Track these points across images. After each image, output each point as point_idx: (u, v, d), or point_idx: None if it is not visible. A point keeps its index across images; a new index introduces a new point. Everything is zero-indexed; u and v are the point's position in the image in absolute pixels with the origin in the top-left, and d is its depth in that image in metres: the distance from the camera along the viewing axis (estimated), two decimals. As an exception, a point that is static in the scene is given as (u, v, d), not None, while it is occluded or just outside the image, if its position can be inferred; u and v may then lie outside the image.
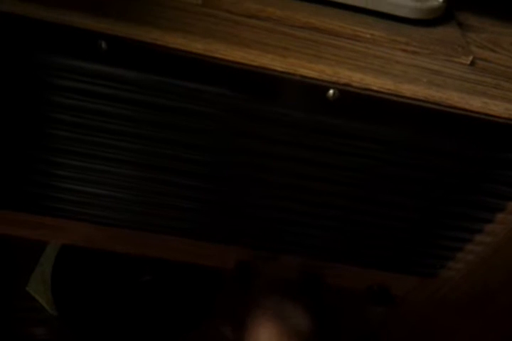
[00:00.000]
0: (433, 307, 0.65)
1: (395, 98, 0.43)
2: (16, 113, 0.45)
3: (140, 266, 0.95)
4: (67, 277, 0.93)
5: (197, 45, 0.40)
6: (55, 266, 0.93)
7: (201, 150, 0.47)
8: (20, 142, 0.48)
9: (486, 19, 0.55)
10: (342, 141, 0.46)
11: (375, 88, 0.42)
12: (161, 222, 0.55)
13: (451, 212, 0.52)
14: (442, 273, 0.59)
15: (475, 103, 0.43)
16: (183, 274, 0.95)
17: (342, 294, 0.64)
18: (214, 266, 0.63)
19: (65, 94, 0.43)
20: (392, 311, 0.66)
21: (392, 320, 0.68)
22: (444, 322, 0.66)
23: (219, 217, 0.54)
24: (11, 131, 0.47)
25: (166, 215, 0.54)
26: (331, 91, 0.42)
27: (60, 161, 0.49)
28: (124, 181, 0.51)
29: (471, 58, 0.46)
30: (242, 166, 0.49)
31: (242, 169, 0.49)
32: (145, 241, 0.59)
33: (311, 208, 0.52)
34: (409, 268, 0.59)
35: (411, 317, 0.69)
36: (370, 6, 0.46)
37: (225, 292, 0.93)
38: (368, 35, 0.45)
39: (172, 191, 0.51)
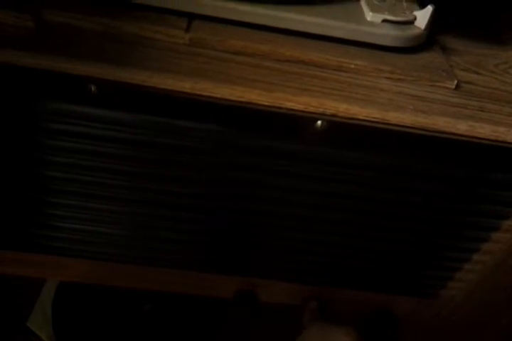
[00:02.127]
0: (436, 327, 0.65)
1: (381, 126, 0.43)
2: (11, 157, 0.46)
3: (140, 296, 0.94)
4: (68, 311, 0.92)
5: (185, 85, 0.41)
6: (55, 301, 0.93)
7: (194, 184, 0.48)
8: (16, 183, 0.49)
9: (469, 42, 0.56)
10: (332, 169, 0.47)
11: (361, 117, 0.43)
12: (159, 255, 0.55)
13: (446, 233, 0.53)
14: (443, 293, 0.59)
15: (461, 127, 0.44)
16: (184, 302, 0.95)
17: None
18: (214, 297, 0.63)
19: (58, 137, 0.44)
20: (394, 333, 0.66)
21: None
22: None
23: (216, 249, 0.55)
24: (7, 174, 0.48)
25: (163, 249, 0.55)
26: (319, 122, 0.43)
27: (55, 201, 0.50)
28: (120, 218, 0.51)
29: (455, 82, 0.47)
30: (236, 198, 0.49)
31: (235, 201, 0.50)
32: (144, 275, 0.59)
33: (307, 235, 0.53)
34: (409, 289, 0.59)
35: (413, 338, 0.69)
36: (353, 36, 0.47)
37: (227, 320, 0.93)
38: (353, 66, 0.46)
39: (167, 225, 0.52)
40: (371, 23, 0.47)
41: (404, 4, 0.50)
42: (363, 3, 0.49)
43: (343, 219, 0.51)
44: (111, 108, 0.42)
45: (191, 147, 0.45)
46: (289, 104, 0.42)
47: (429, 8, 0.47)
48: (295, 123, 0.43)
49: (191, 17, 0.45)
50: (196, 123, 0.43)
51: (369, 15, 0.47)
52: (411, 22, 0.48)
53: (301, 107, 0.42)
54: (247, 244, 0.54)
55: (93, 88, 0.40)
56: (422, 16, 0.48)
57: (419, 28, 0.48)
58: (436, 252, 0.55)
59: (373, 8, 0.48)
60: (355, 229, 0.52)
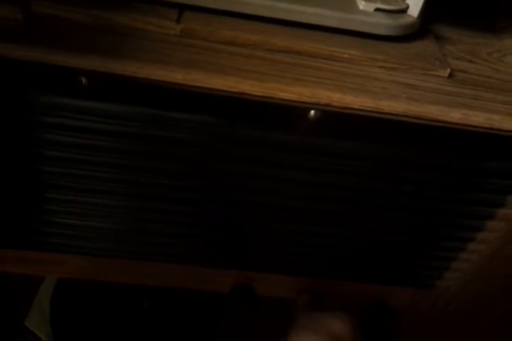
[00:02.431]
0: (433, 318, 0.65)
1: (375, 115, 0.43)
2: (1, 151, 0.46)
3: (138, 292, 0.94)
4: (66, 310, 0.92)
5: (176, 76, 0.40)
6: (53, 300, 0.93)
7: (188, 176, 0.48)
8: (8, 179, 0.48)
9: (462, 30, 0.56)
10: (327, 159, 0.47)
11: (355, 106, 0.42)
12: (156, 250, 0.55)
13: (441, 223, 0.52)
14: (439, 283, 0.59)
15: (455, 115, 0.44)
16: (182, 298, 0.95)
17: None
18: (212, 291, 0.63)
19: (50, 130, 0.44)
20: (391, 324, 0.66)
21: (392, 333, 0.68)
22: (444, 332, 0.66)
23: (212, 242, 0.55)
24: (1, 170, 0.48)
25: (159, 243, 0.54)
26: (312, 112, 0.43)
27: (49, 196, 0.50)
28: (116, 212, 0.51)
29: (448, 71, 0.47)
30: (230, 190, 0.49)
31: (229, 193, 0.50)
32: (141, 271, 0.59)
33: (303, 227, 0.53)
34: (405, 280, 0.59)
35: (411, 329, 0.69)
36: (346, 26, 0.46)
37: (226, 315, 0.93)
38: (346, 55, 0.46)
39: (163, 219, 0.52)
40: (364, 12, 0.47)
41: (397, -7, 0.50)
42: (355, -7, 0.49)
43: (337, 210, 0.51)
44: (102, 100, 0.42)
45: (184, 139, 0.45)
46: (282, 94, 0.41)
47: (422, -3, 0.47)
48: (288, 113, 0.43)
49: (182, 8, 0.45)
50: (189, 114, 0.43)
51: (361, 4, 0.47)
52: (404, 10, 0.48)
53: (294, 97, 0.42)
54: (243, 237, 0.54)
55: (84, 80, 0.40)
56: (415, 5, 0.48)
57: (412, 17, 0.48)
58: (431, 242, 0.55)
59: (366, -3, 0.47)
60: (350, 219, 0.52)
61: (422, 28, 0.51)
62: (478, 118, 0.44)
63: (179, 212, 0.51)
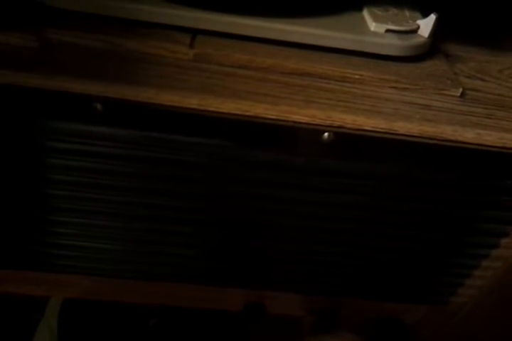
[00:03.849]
0: (447, 334, 0.65)
1: (389, 136, 0.43)
2: (16, 177, 0.46)
3: (146, 309, 0.94)
4: (74, 327, 0.92)
5: (191, 101, 0.41)
6: (61, 317, 0.92)
7: (201, 199, 0.48)
8: (19, 202, 0.49)
9: (472, 48, 0.56)
10: (341, 180, 0.47)
11: (368, 128, 0.43)
12: (165, 270, 0.55)
13: (455, 241, 0.53)
14: (454, 299, 0.59)
15: (469, 135, 0.44)
16: (190, 315, 0.94)
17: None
18: (222, 310, 0.62)
19: (64, 156, 0.45)
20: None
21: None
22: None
23: (223, 262, 0.55)
24: (11, 193, 0.48)
25: (168, 263, 0.55)
26: (326, 134, 0.43)
27: (58, 219, 0.50)
28: (123, 233, 0.51)
29: (460, 90, 0.47)
30: (243, 211, 0.49)
31: (242, 214, 0.50)
32: (150, 290, 0.59)
33: (315, 246, 0.53)
34: (419, 297, 0.59)
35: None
36: (357, 47, 0.47)
37: (235, 334, 0.92)
38: (357, 76, 0.46)
39: (172, 240, 0.52)
40: (375, 33, 0.47)
41: (407, 13, 0.50)
42: (365, 14, 0.49)
43: (351, 230, 0.51)
44: (117, 126, 0.42)
45: (199, 163, 0.45)
46: (295, 117, 0.42)
47: (432, 17, 0.47)
48: (302, 135, 0.43)
49: (195, 32, 0.45)
50: (202, 138, 0.43)
51: (372, 26, 0.47)
52: (414, 31, 0.48)
53: (307, 120, 0.42)
54: (254, 256, 0.54)
55: (98, 106, 0.40)
56: (425, 25, 0.48)
57: (422, 37, 0.48)
58: (445, 259, 0.55)
59: (376, 19, 0.48)
60: (363, 238, 0.52)
61: (432, 47, 0.51)
62: (491, 137, 0.44)
63: (190, 233, 0.51)
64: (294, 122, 0.42)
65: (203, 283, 0.58)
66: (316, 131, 0.43)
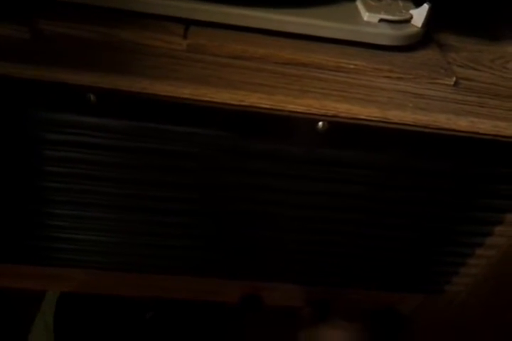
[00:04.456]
0: (443, 323, 0.65)
1: (383, 125, 0.43)
2: (10, 169, 0.46)
3: (142, 303, 0.94)
4: (70, 323, 0.92)
5: (185, 91, 0.41)
6: (57, 313, 0.92)
7: (195, 189, 0.48)
8: (15, 195, 0.49)
9: (464, 38, 0.56)
10: (336, 169, 0.47)
11: (362, 117, 0.43)
12: (160, 262, 0.55)
13: (449, 229, 0.53)
14: (448, 288, 0.59)
15: (462, 123, 0.44)
16: (186, 308, 0.95)
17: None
18: (219, 302, 0.63)
19: (59, 147, 0.45)
20: (401, 330, 0.66)
21: (401, 339, 0.68)
22: (454, 338, 0.66)
23: (218, 253, 0.55)
24: (6, 186, 0.48)
25: (164, 256, 0.55)
26: (320, 124, 0.43)
27: (53, 211, 0.50)
28: (120, 225, 0.51)
29: (454, 79, 0.47)
30: (238, 202, 0.50)
31: (237, 204, 0.50)
32: (146, 283, 0.59)
33: (311, 236, 0.53)
34: (414, 286, 0.59)
35: (421, 335, 0.69)
36: (351, 37, 0.47)
37: (232, 326, 0.93)
38: (352, 66, 0.46)
39: (168, 231, 0.52)
40: (368, 23, 0.47)
41: (400, 3, 0.50)
42: (358, 4, 0.49)
43: (345, 219, 0.51)
44: (111, 116, 0.42)
45: (194, 153, 0.45)
46: (290, 107, 0.42)
47: (425, 6, 0.47)
48: (297, 125, 0.43)
49: (188, 23, 0.45)
50: (197, 128, 0.43)
51: (366, 16, 0.47)
52: (408, 21, 0.48)
53: (302, 109, 0.42)
54: (250, 247, 0.54)
55: (92, 97, 0.40)
56: (419, 14, 0.48)
57: (416, 27, 0.48)
58: (439, 248, 0.55)
59: (370, 8, 0.48)
60: (358, 228, 0.52)
61: (425, 37, 0.51)
62: (484, 125, 0.44)
63: (184, 224, 0.51)
64: (290, 111, 0.42)
65: (199, 275, 0.58)
66: (311, 120, 0.43)
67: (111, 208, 0.50)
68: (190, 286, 0.61)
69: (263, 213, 0.51)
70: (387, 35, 0.47)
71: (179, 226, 0.52)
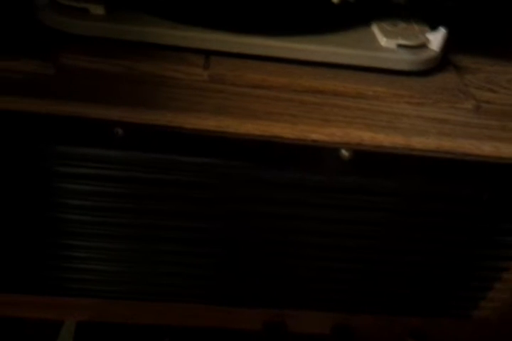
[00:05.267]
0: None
1: (407, 152, 0.43)
2: (31, 201, 0.46)
3: (159, 329, 0.93)
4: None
5: (209, 123, 0.41)
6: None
7: (220, 218, 0.48)
8: (32, 227, 0.49)
9: (480, 59, 0.56)
10: (359, 197, 0.47)
11: (386, 144, 0.43)
12: (181, 291, 0.55)
13: (475, 254, 0.52)
14: (476, 313, 0.59)
15: (486, 148, 0.44)
16: (204, 333, 0.93)
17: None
18: (242, 329, 0.62)
19: (84, 181, 0.45)
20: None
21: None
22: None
23: (241, 281, 0.54)
24: (25, 218, 0.48)
25: (183, 284, 0.54)
26: (344, 152, 0.43)
27: (70, 243, 0.50)
28: (137, 256, 0.51)
29: (473, 103, 0.47)
30: (263, 230, 0.49)
31: (263, 233, 0.50)
32: (167, 311, 0.58)
33: (334, 263, 0.53)
34: (441, 311, 0.59)
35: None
36: (369, 63, 0.47)
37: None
38: (371, 92, 0.46)
39: (186, 260, 0.52)
40: (386, 49, 0.47)
41: (416, 27, 0.50)
42: (374, 29, 0.49)
43: (371, 245, 0.51)
44: (136, 149, 0.42)
45: (219, 184, 0.45)
46: (314, 136, 0.42)
47: (442, 31, 0.47)
48: (320, 154, 0.43)
49: (208, 53, 0.45)
50: (222, 159, 0.43)
51: (383, 41, 0.47)
52: (425, 45, 0.48)
53: (325, 138, 0.42)
54: (274, 275, 0.54)
55: (120, 131, 0.40)
56: (435, 38, 0.48)
57: (433, 51, 0.49)
58: (466, 272, 0.55)
59: (386, 34, 0.48)
60: (384, 254, 0.52)
61: (442, 60, 0.51)
62: (509, 150, 0.44)
63: (208, 253, 0.51)
64: (313, 141, 0.42)
65: (221, 303, 0.58)
66: (334, 149, 0.43)
67: (130, 239, 0.50)
68: (212, 314, 0.61)
69: (286, 241, 0.51)
70: (405, 60, 0.47)
71: (201, 255, 0.52)
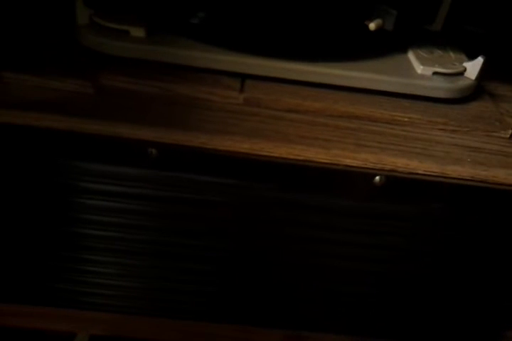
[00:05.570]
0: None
1: (441, 179, 0.43)
2: (55, 216, 0.47)
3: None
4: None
5: (243, 146, 0.41)
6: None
7: (244, 239, 0.48)
8: (49, 240, 0.49)
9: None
10: (388, 222, 0.46)
11: (420, 172, 0.42)
12: (196, 308, 0.55)
13: (501, 280, 0.51)
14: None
15: (522, 178, 0.43)
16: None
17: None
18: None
19: (114, 199, 0.45)
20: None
21: None
22: None
23: (260, 302, 0.54)
24: (43, 233, 0.48)
25: (199, 302, 0.54)
26: (377, 178, 0.43)
27: (83, 257, 0.50)
28: (154, 272, 0.51)
29: (510, 132, 0.47)
30: (290, 253, 0.49)
31: (292, 256, 0.49)
32: (182, 329, 0.58)
33: (358, 288, 0.52)
34: (464, 338, 0.57)
35: None
36: (405, 90, 0.47)
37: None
38: (406, 119, 0.46)
39: (204, 278, 0.52)
40: (422, 76, 0.47)
41: (452, 55, 0.50)
42: (411, 56, 0.49)
43: (398, 271, 0.50)
44: (169, 170, 0.43)
45: (251, 206, 0.45)
46: (347, 161, 0.42)
47: (480, 60, 0.47)
48: (353, 179, 0.43)
49: (244, 77, 0.46)
50: (254, 182, 0.43)
51: (419, 69, 0.47)
52: (461, 73, 0.48)
53: (359, 163, 0.42)
54: (293, 296, 0.53)
55: (154, 152, 0.41)
56: (473, 67, 0.48)
57: (469, 79, 0.48)
58: (491, 300, 0.54)
59: (423, 61, 0.48)
60: (410, 280, 0.51)
61: (478, 88, 0.51)
62: (545, 180, 0.43)
63: (227, 272, 0.51)
64: (346, 166, 0.42)
65: (238, 322, 0.57)
66: (367, 175, 0.43)
67: (147, 255, 0.50)
68: (228, 333, 0.60)
69: (310, 264, 0.50)
70: (442, 88, 0.47)
71: (220, 274, 0.52)
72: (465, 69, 0.48)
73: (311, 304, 0.55)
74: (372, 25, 0.48)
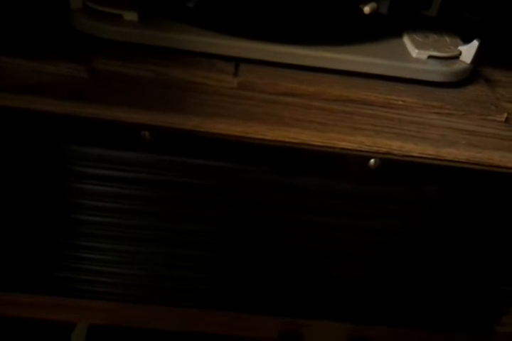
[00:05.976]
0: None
1: (436, 162, 0.43)
2: (51, 202, 0.47)
3: (172, 335, 0.92)
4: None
5: (237, 129, 0.41)
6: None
7: (242, 223, 0.48)
8: (47, 228, 0.49)
9: (509, 72, 0.56)
10: (384, 205, 0.46)
11: (415, 154, 0.42)
12: (195, 296, 0.55)
13: (498, 267, 0.51)
14: (498, 329, 0.57)
15: (517, 160, 0.43)
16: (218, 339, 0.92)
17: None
18: (257, 337, 0.61)
19: (107, 183, 0.45)
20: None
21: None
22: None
23: (258, 289, 0.54)
24: (42, 219, 0.48)
25: (198, 289, 0.54)
26: (372, 161, 0.43)
27: (82, 244, 0.50)
28: (153, 259, 0.51)
29: (505, 115, 0.47)
30: (285, 237, 0.49)
31: (287, 240, 0.49)
32: (182, 317, 0.58)
33: (355, 273, 0.52)
34: (462, 325, 0.57)
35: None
36: (401, 74, 0.47)
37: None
38: (401, 102, 0.46)
39: (202, 265, 0.52)
40: (417, 60, 0.47)
41: (447, 39, 0.50)
42: (406, 40, 0.49)
43: (395, 255, 0.50)
44: (162, 153, 0.43)
45: (245, 189, 0.45)
46: (342, 144, 0.42)
47: (475, 43, 0.47)
48: (348, 162, 0.43)
49: (238, 61, 0.46)
50: (249, 165, 0.43)
51: (414, 52, 0.47)
52: (456, 57, 0.48)
53: (354, 146, 0.42)
54: (291, 282, 0.53)
55: (147, 135, 0.41)
56: (468, 51, 0.48)
57: (464, 63, 0.48)
58: (488, 286, 0.53)
59: (418, 45, 0.48)
60: (407, 265, 0.51)
61: (473, 72, 0.51)
62: (540, 163, 0.43)
63: (223, 258, 0.51)
64: (341, 149, 0.42)
65: (236, 310, 0.57)
66: (362, 158, 0.42)
67: (146, 242, 0.50)
68: (228, 321, 0.60)
69: (306, 249, 0.50)
70: (437, 71, 0.47)
71: (218, 260, 0.52)
72: (460, 53, 0.48)
73: (307, 290, 0.55)
74: (367, 9, 0.48)
